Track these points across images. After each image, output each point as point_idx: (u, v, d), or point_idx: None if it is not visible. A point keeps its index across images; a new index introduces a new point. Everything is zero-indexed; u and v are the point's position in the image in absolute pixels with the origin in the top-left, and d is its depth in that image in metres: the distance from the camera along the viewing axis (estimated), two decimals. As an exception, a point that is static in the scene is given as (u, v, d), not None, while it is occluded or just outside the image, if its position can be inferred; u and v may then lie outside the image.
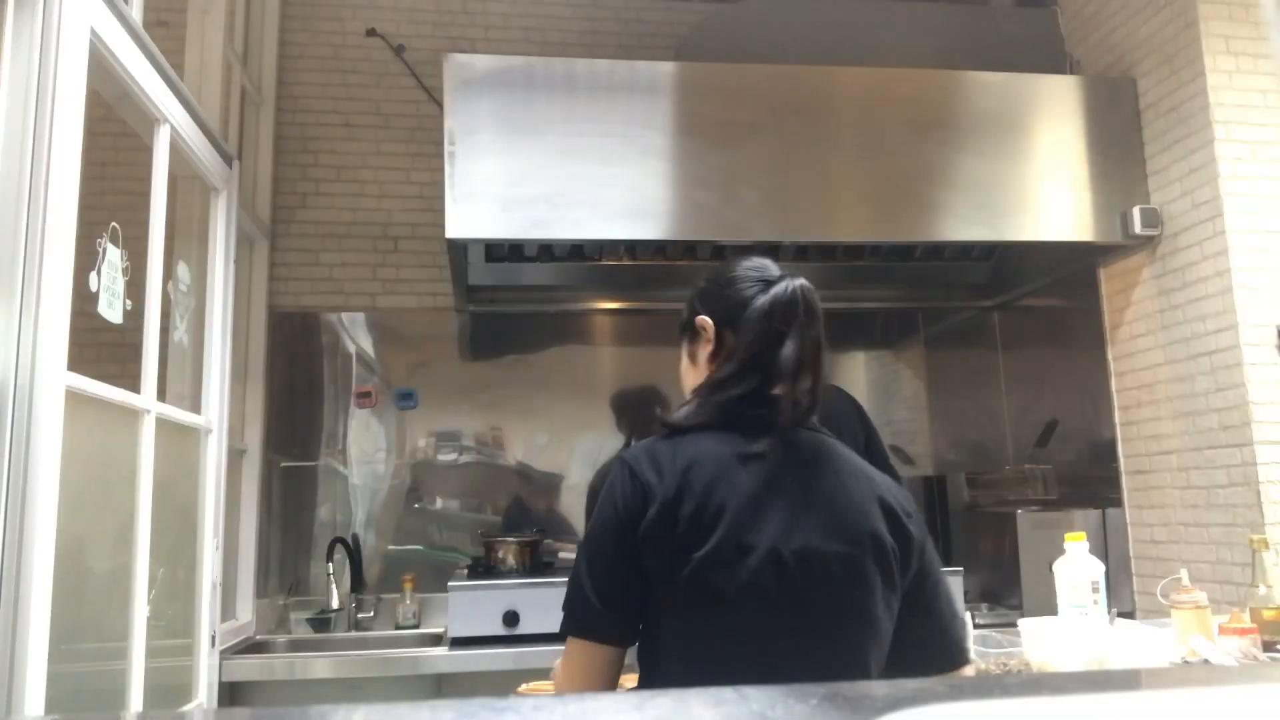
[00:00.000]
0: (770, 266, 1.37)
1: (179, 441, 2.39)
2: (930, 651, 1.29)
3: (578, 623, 1.27)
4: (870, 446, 2.66)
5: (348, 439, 3.39)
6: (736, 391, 1.29)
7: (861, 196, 2.84)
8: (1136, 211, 2.88)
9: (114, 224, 1.92)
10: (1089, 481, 3.21)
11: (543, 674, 2.24)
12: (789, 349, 1.28)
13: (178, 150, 2.31)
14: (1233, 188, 2.66)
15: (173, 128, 2.23)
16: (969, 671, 1.36)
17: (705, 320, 1.36)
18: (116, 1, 1.87)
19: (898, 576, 1.25)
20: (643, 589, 1.24)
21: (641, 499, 1.24)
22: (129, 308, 1.96)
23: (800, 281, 1.34)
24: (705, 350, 1.36)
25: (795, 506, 1.23)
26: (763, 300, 1.31)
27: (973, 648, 1.85)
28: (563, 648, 1.29)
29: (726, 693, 0.38)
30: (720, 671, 1.20)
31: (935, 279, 3.59)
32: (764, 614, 1.20)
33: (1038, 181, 2.90)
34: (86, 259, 1.79)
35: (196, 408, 2.56)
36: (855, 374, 3.75)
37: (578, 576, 1.28)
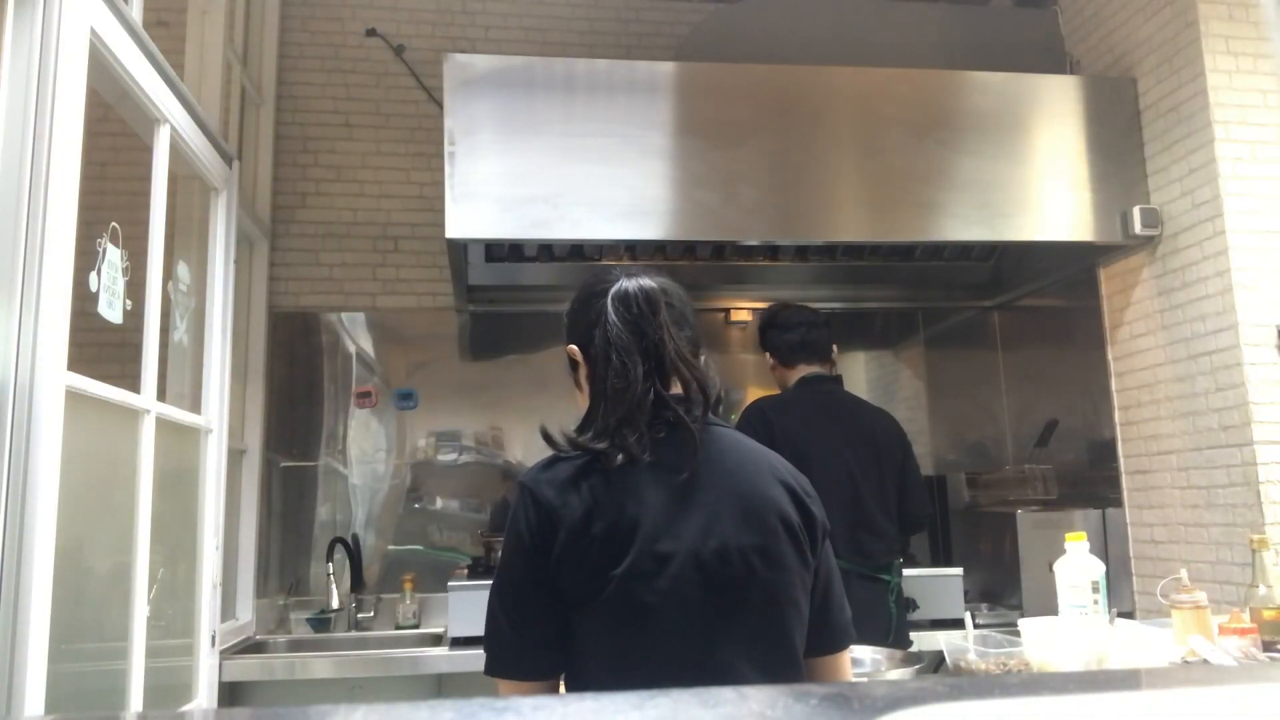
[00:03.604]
0: (609, 274, 1.34)
1: (179, 441, 2.39)
2: (822, 632, 1.30)
3: (501, 662, 1.25)
4: (905, 469, 2.70)
5: (348, 439, 3.39)
6: (619, 406, 1.25)
7: (861, 196, 2.84)
8: (1136, 211, 2.88)
9: (114, 224, 1.92)
10: (1089, 481, 3.22)
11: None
12: (645, 349, 1.26)
13: (178, 150, 2.31)
14: (1233, 188, 2.66)
15: (173, 128, 2.23)
16: (866, 654, 1.35)
17: (572, 348, 1.36)
18: (116, 1, 1.87)
19: (809, 555, 1.27)
20: (562, 616, 1.21)
21: (549, 524, 1.21)
22: (129, 308, 1.96)
23: (636, 281, 1.31)
24: (583, 374, 1.36)
25: (707, 505, 1.22)
26: (603, 312, 1.29)
27: (973, 648, 1.86)
28: None
29: (726, 693, 0.38)
30: (653, 678, 1.18)
31: (935, 279, 3.59)
32: (691, 618, 1.19)
33: (1038, 181, 2.90)
34: (86, 259, 1.78)
35: (196, 408, 2.56)
36: (855, 374, 3.75)
37: (494, 613, 1.26)
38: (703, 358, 1.35)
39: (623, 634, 1.19)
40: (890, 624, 2.55)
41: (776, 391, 2.80)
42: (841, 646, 1.33)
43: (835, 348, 2.77)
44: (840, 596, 1.34)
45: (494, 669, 1.25)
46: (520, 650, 1.24)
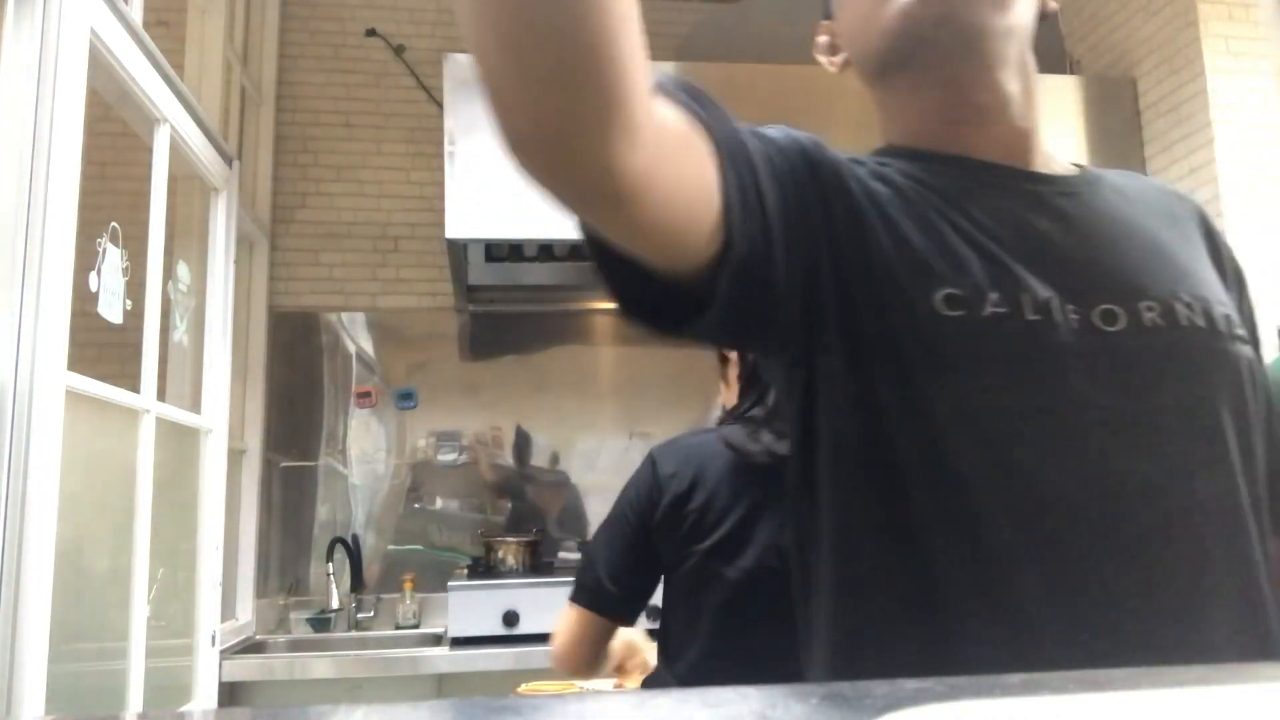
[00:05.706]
0: None
1: (179, 441, 2.39)
2: None
3: (581, 590, 1.41)
4: None
5: (348, 439, 3.38)
6: (745, 407, 1.39)
7: (861, 196, 2.84)
8: (1136, 211, 2.88)
9: (114, 224, 1.92)
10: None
11: (543, 674, 2.24)
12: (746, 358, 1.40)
13: (178, 150, 2.31)
14: (1233, 188, 2.66)
15: (173, 128, 2.23)
16: None
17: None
18: (116, 1, 1.87)
19: None
20: (650, 575, 1.38)
21: (658, 490, 1.36)
22: (129, 308, 1.96)
23: None
24: (732, 372, 1.48)
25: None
26: None
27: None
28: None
29: (726, 693, 0.38)
30: (733, 656, 1.31)
31: (935, 279, 3.58)
32: (766, 603, 1.27)
33: (1038, 181, 2.90)
34: (86, 259, 1.79)
35: (196, 408, 2.56)
36: (855, 374, 3.74)
37: (591, 549, 1.43)
38: None
39: (704, 607, 1.34)
40: None
41: None
42: None
43: None
44: None
45: (574, 595, 1.43)
46: (601, 590, 1.40)
